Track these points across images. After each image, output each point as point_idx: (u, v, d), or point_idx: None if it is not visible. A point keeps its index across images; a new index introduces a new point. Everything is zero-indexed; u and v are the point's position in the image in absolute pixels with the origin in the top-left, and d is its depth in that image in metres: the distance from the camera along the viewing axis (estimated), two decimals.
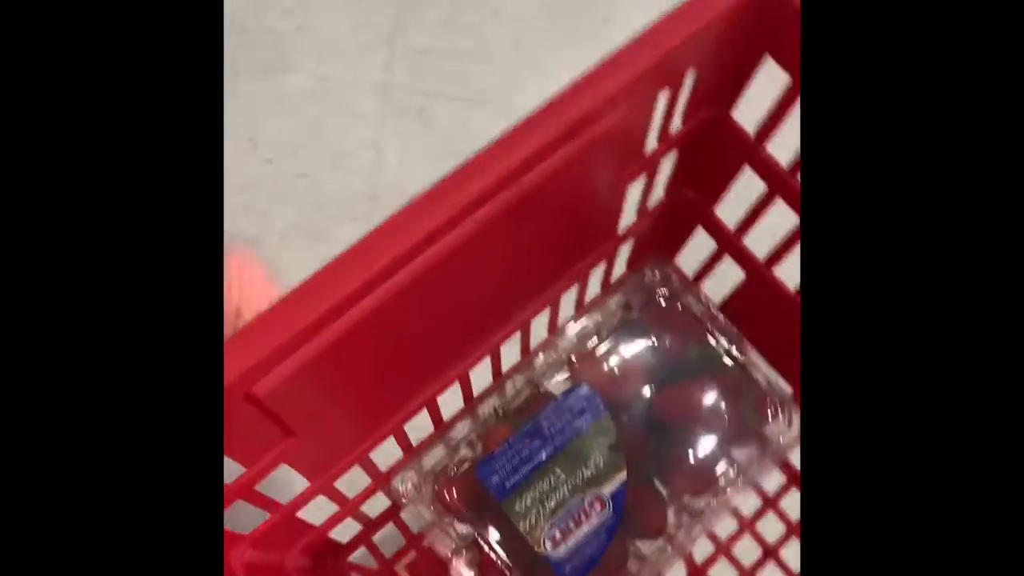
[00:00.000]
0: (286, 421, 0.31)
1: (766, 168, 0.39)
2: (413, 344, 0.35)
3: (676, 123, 0.39)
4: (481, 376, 0.48)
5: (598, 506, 0.44)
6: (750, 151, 0.40)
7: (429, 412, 0.44)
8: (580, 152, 0.32)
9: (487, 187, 0.30)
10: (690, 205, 0.45)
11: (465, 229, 0.30)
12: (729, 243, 0.45)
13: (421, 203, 0.29)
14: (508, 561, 0.44)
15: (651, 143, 0.38)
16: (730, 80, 0.38)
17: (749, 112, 0.40)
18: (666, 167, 0.43)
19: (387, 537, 0.52)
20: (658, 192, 0.45)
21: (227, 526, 0.36)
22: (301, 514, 0.41)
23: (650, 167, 0.40)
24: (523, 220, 0.33)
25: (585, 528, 0.43)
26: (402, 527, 0.52)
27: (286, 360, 0.27)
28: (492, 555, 0.44)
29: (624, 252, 0.49)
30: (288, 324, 0.27)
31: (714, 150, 0.41)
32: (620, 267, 0.50)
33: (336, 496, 0.43)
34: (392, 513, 0.51)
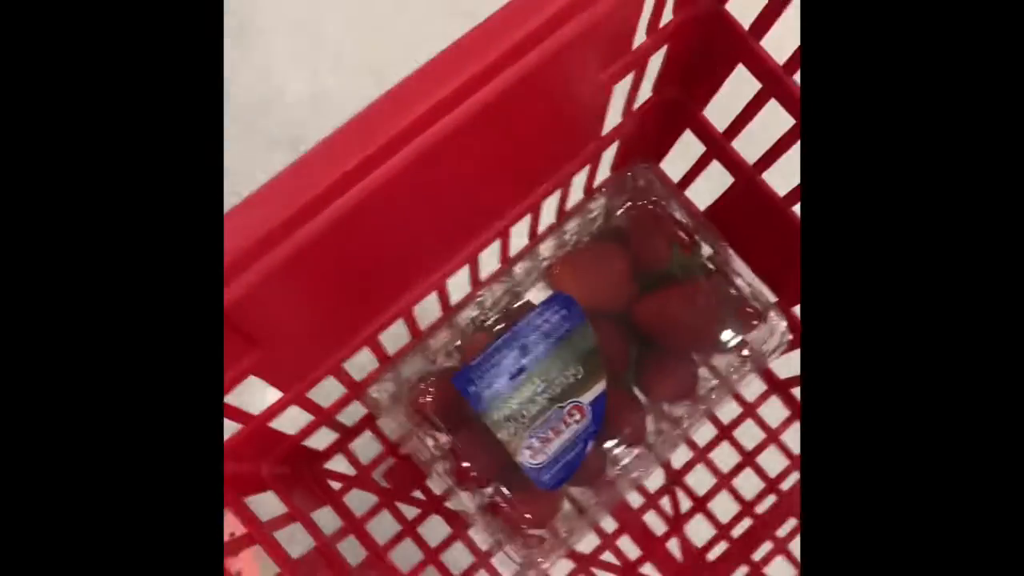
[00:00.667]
0: (252, 333, 0.29)
1: (761, 66, 0.37)
2: (387, 250, 0.34)
3: (667, 17, 0.37)
4: (459, 286, 0.46)
5: (577, 414, 0.43)
6: (744, 47, 0.37)
7: (406, 322, 0.43)
8: (565, 44, 0.29)
9: (467, 79, 0.27)
10: (678, 106, 0.43)
11: (443, 125, 0.28)
12: (718, 147, 0.43)
13: (396, 95, 0.27)
14: (486, 469, 0.43)
15: (639, 38, 0.36)
16: None
17: (744, 7, 0.37)
18: (654, 65, 0.40)
19: (364, 445, 0.51)
20: (645, 92, 0.43)
21: None
22: (276, 423, 0.40)
23: (638, 64, 0.38)
24: (503, 117, 0.31)
25: (564, 436, 0.43)
26: (380, 435, 0.51)
27: (250, 267, 0.26)
28: (469, 464, 0.44)
29: (608, 157, 0.47)
30: (252, 228, 0.25)
31: (706, 46, 0.39)
32: (604, 173, 0.48)
33: (309, 406, 0.42)
34: (369, 421, 0.51)
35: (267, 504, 0.42)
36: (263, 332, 0.30)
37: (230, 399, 0.34)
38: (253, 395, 0.38)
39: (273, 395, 0.38)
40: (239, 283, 0.26)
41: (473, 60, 0.27)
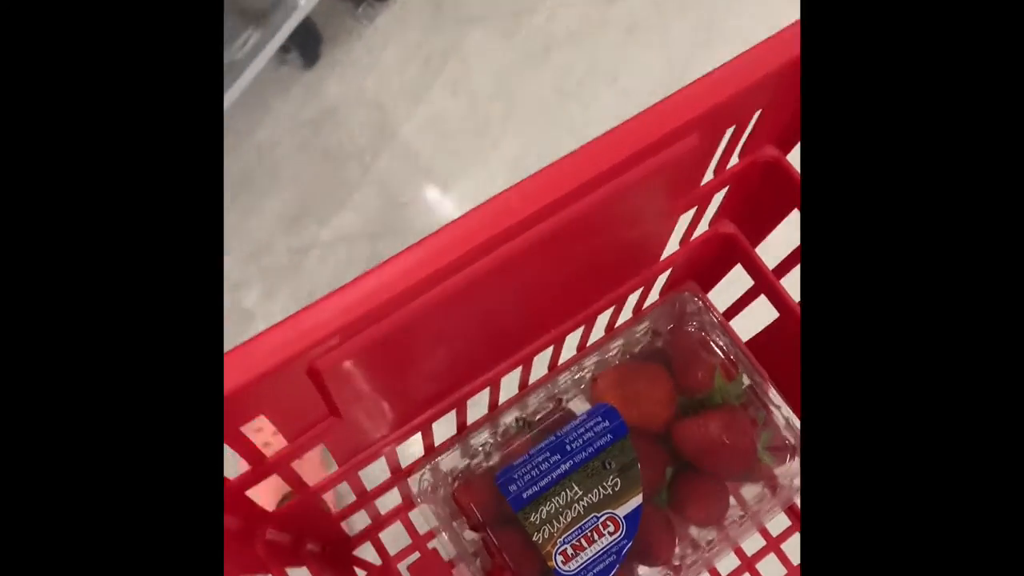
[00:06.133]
0: (335, 399, 0.31)
1: None
2: (460, 341, 0.36)
3: (733, 160, 0.40)
4: (503, 387, 0.48)
5: (612, 526, 0.44)
6: (799, 195, 0.41)
7: (457, 413, 0.45)
8: (644, 177, 0.33)
9: (551, 202, 0.30)
10: (732, 241, 0.46)
11: (525, 240, 0.31)
12: (766, 283, 0.46)
13: (490, 208, 0.30)
14: (518, 570, 0.44)
15: (707, 176, 0.40)
16: (792, 124, 0.39)
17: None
18: (715, 201, 0.44)
19: (393, 535, 0.52)
20: (703, 225, 0.46)
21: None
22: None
23: (702, 199, 0.41)
24: (578, 237, 0.34)
25: (597, 546, 0.44)
26: (409, 527, 0.52)
27: (351, 339, 0.28)
28: (501, 563, 0.44)
29: (660, 281, 0.50)
30: (358, 303, 0.28)
31: (765, 190, 0.42)
32: (654, 296, 0.51)
33: (357, 485, 0.43)
34: (401, 511, 0.52)
35: None
36: (345, 400, 0.32)
37: (295, 465, 0.35)
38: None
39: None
40: (341, 351, 0.28)
41: (560, 183, 0.31)
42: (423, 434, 0.44)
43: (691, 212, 0.43)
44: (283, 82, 0.92)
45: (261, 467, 0.33)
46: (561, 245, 0.34)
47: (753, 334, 0.51)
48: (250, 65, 0.81)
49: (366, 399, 0.34)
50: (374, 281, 0.28)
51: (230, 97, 0.81)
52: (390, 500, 0.50)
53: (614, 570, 0.44)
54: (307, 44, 0.91)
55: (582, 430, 0.46)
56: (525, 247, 0.31)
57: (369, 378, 0.32)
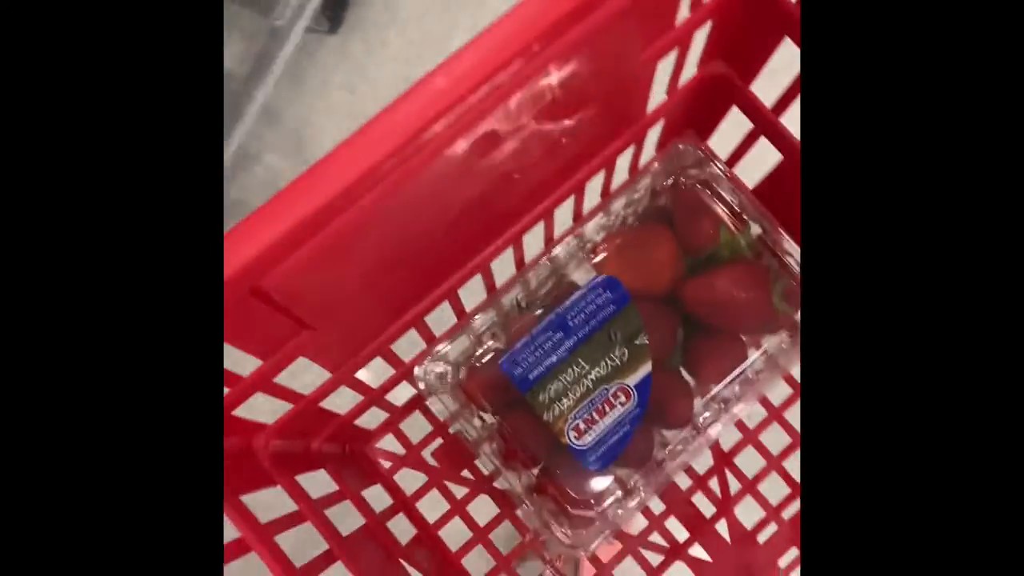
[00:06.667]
0: (298, 314, 0.30)
1: None
2: (430, 233, 0.34)
3: None
4: (504, 268, 0.46)
5: (623, 396, 0.43)
6: (790, 19, 0.36)
7: (451, 303, 0.43)
8: (605, 23, 0.29)
9: (504, 59, 0.27)
10: (724, 81, 0.42)
11: (483, 107, 0.28)
12: (766, 122, 0.42)
13: (434, 79, 0.27)
14: (532, 451, 0.44)
15: (683, 13, 0.35)
16: None
17: None
18: (699, 41, 0.40)
19: (414, 424, 0.52)
20: (690, 69, 0.42)
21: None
22: (329, 404, 0.41)
23: (682, 40, 0.37)
24: (543, 98, 0.31)
25: (610, 418, 0.43)
26: (428, 415, 0.52)
27: (294, 252, 0.26)
28: (514, 447, 0.44)
29: (653, 136, 0.47)
30: (294, 211, 0.25)
31: (751, 19, 0.38)
32: (649, 152, 0.48)
33: (358, 386, 0.43)
34: (419, 401, 0.51)
35: (320, 482, 0.43)
36: (312, 314, 0.31)
37: (280, 380, 0.34)
38: (303, 376, 0.39)
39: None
40: (284, 267, 0.26)
41: (513, 41, 0.27)
42: (418, 329, 0.42)
43: (673, 58, 0.39)
44: (309, 49, 0.89)
45: (238, 386, 0.32)
46: (519, 114, 0.31)
47: (759, 177, 0.48)
48: (294, 29, 0.79)
49: (338, 305, 0.33)
50: (310, 182, 0.26)
51: (277, 68, 0.81)
52: (405, 392, 0.50)
53: (629, 439, 0.43)
54: (335, 7, 0.88)
55: (583, 303, 0.44)
56: (474, 122, 0.28)
57: (333, 284, 0.31)
